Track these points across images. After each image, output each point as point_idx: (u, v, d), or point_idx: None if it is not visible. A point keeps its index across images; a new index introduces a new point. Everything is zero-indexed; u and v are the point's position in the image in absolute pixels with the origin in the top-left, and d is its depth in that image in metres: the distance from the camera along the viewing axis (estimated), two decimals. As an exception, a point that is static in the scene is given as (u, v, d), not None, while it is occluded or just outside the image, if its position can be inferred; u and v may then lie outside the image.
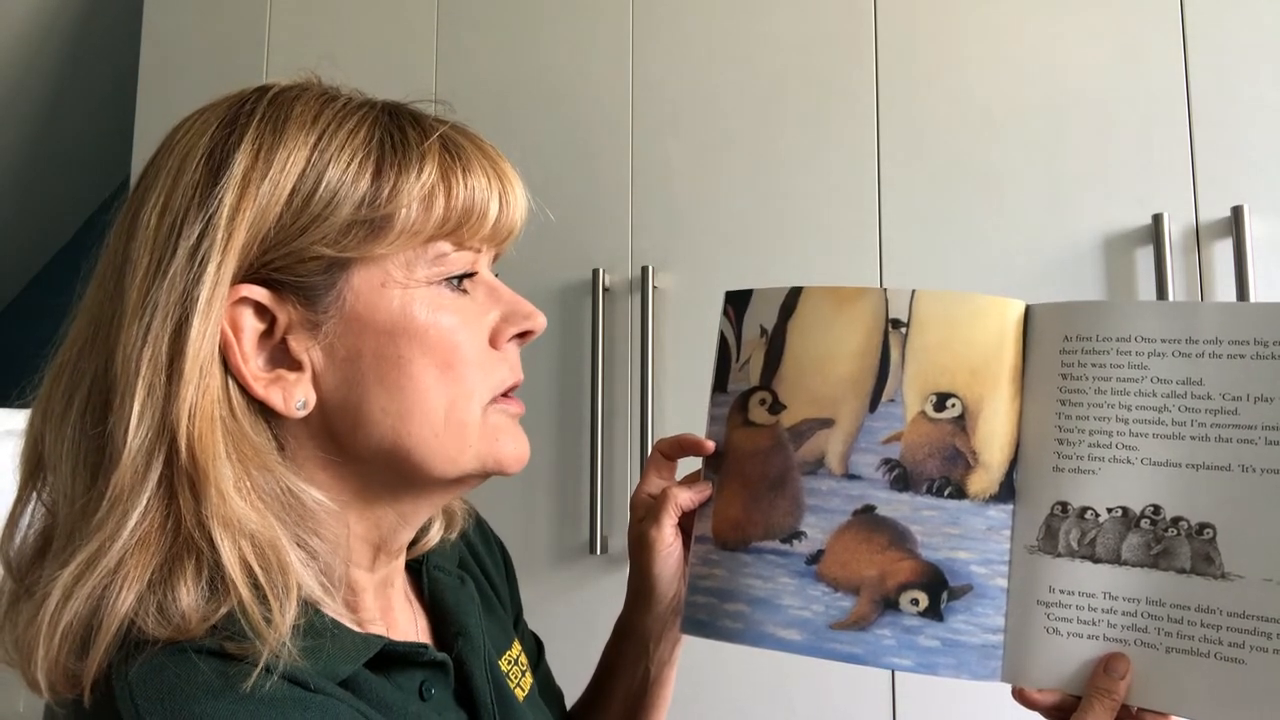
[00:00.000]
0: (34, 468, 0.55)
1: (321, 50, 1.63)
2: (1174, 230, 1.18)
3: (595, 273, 1.42)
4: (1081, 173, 1.24)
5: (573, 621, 1.34)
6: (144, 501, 0.49)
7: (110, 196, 2.38)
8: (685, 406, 1.38)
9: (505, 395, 0.60)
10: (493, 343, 0.59)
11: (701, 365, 1.36)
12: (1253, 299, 1.12)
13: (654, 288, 1.40)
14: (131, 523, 0.48)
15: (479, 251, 0.59)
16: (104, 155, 2.26)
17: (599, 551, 1.37)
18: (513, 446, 0.59)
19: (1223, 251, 1.16)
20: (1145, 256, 1.20)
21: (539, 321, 0.60)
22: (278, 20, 1.68)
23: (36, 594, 0.49)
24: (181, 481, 0.49)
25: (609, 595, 1.38)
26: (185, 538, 0.49)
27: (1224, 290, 1.16)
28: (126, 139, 1.76)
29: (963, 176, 1.29)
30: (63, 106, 2.15)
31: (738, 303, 0.70)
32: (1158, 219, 1.17)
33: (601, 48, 1.49)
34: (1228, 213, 1.16)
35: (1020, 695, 0.60)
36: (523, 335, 0.61)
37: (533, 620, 0.84)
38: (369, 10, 1.63)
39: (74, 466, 0.51)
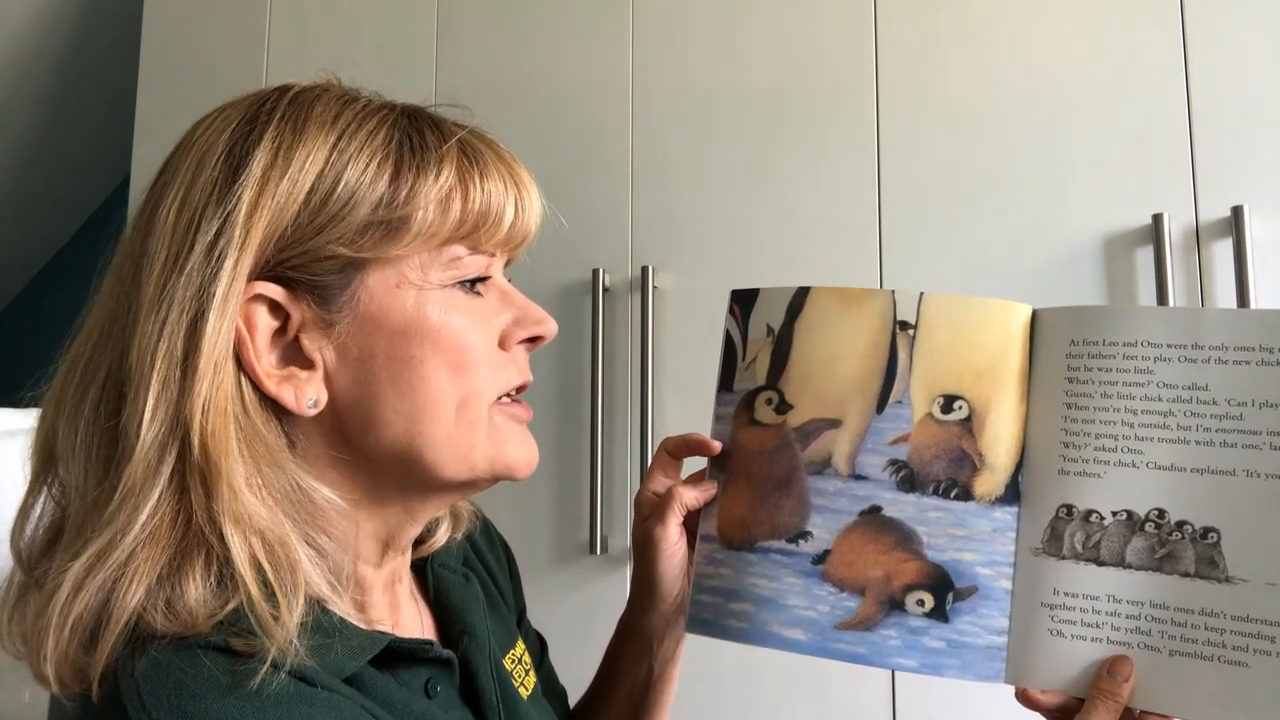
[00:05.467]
0: (46, 460, 0.55)
1: (321, 50, 1.63)
2: (1174, 230, 1.18)
3: (595, 273, 1.42)
4: (1081, 173, 1.24)
5: (573, 621, 1.34)
6: (156, 495, 0.49)
7: (110, 196, 2.37)
8: (686, 406, 1.38)
9: (513, 399, 0.60)
10: (502, 345, 0.59)
11: (702, 365, 1.36)
12: (1253, 299, 1.12)
13: (654, 288, 1.40)
14: (143, 516, 0.48)
15: (493, 256, 0.59)
16: (104, 155, 2.25)
17: (599, 551, 1.37)
18: (520, 451, 0.59)
19: (1223, 252, 1.16)
20: (1145, 256, 1.20)
21: (550, 327, 0.61)
22: (278, 20, 1.68)
23: (46, 586, 0.49)
24: (193, 476, 0.49)
25: (609, 595, 1.38)
26: (196, 532, 0.49)
27: (1224, 290, 1.16)
28: (126, 139, 1.76)
29: (963, 176, 1.30)
30: (63, 106, 2.15)
31: (744, 302, 0.69)
32: (1158, 219, 1.18)
33: (601, 48, 1.49)
34: (1228, 213, 1.16)
35: (1024, 697, 0.61)
36: (533, 341, 0.61)
37: (533, 620, 0.84)
38: (369, 10, 1.62)
39: (86, 459, 0.51)
